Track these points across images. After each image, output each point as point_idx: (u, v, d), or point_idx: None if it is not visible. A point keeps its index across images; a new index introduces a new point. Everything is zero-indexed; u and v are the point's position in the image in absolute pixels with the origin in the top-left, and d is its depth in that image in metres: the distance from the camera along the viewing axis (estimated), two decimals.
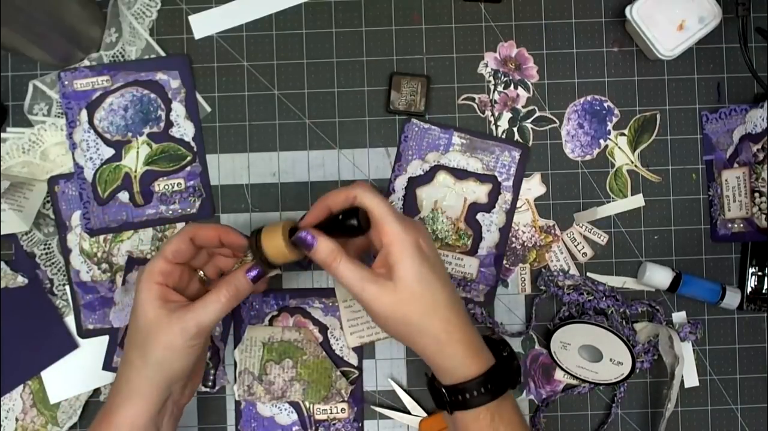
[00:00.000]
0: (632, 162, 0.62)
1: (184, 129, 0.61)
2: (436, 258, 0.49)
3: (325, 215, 0.51)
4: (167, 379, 0.49)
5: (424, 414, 0.61)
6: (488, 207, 0.61)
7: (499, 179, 0.61)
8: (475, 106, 0.62)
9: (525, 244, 0.62)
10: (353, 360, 0.61)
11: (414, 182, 0.61)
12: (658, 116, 0.62)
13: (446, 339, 0.48)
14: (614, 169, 0.62)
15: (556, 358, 0.61)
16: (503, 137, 0.62)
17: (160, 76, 0.61)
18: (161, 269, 0.49)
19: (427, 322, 0.47)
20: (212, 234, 0.51)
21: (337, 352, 0.61)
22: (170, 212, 0.61)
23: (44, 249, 0.61)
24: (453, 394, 0.48)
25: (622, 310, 0.61)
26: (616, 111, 0.62)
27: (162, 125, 0.61)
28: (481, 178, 0.61)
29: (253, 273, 0.50)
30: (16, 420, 0.61)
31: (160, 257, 0.49)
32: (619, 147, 0.62)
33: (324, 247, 0.48)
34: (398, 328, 0.48)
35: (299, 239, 0.49)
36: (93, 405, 0.61)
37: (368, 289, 0.47)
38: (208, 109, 0.62)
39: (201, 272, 0.54)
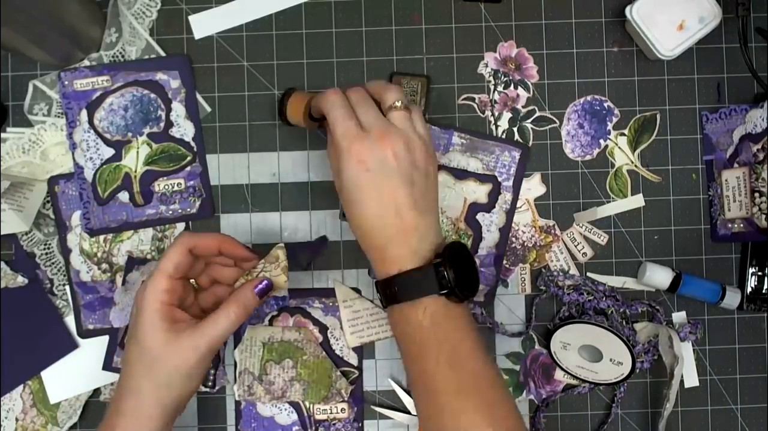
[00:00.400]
0: (632, 162, 0.62)
1: (184, 129, 0.61)
2: (380, 175, 0.49)
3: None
4: (178, 400, 0.48)
5: None
6: (488, 207, 0.61)
7: (499, 179, 0.61)
8: (475, 106, 0.62)
9: (525, 244, 0.62)
10: (353, 360, 0.61)
11: None
12: (658, 116, 0.62)
13: (360, 238, 0.50)
14: (614, 169, 0.62)
15: (556, 358, 0.61)
16: (503, 137, 0.62)
17: (160, 76, 0.61)
18: (165, 287, 0.48)
19: (351, 221, 0.50)
20: (213, 244, 0.51)
21: (337, 352, 0.61)
22: (170, 212, 0.61)
23: (44, 249, 0.61)
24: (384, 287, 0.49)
25: (622, 310, 0.61)
26: (616, 111, 0.62)
27: (162, 125, 0.61)
28: (481, 178, 0.61)
29: (260, 288, 0.50)
30: (16, 420, 0.61)
31: (162, 275, 0.48)
32: (619, 147, 0.62)
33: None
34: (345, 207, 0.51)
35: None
36: (93, 405, 0.61)
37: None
38: (208, 109, 0.62)
39: (192, 281, 0.53)
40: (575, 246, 0.62)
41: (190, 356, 0.47)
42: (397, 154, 0.48)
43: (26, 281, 0.61)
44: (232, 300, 0.49)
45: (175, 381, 0.47)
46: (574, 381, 0.62)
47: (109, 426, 0.48)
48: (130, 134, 0.61)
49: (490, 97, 0.62)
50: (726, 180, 0.60)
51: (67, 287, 0.61)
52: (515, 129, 0.62)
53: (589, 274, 0.62)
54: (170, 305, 0.48)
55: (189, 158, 0.61)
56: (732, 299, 0.60)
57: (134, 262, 0.61)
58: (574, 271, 0.62)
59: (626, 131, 0.62)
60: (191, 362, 0.47)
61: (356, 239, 0.51)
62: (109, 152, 0.61)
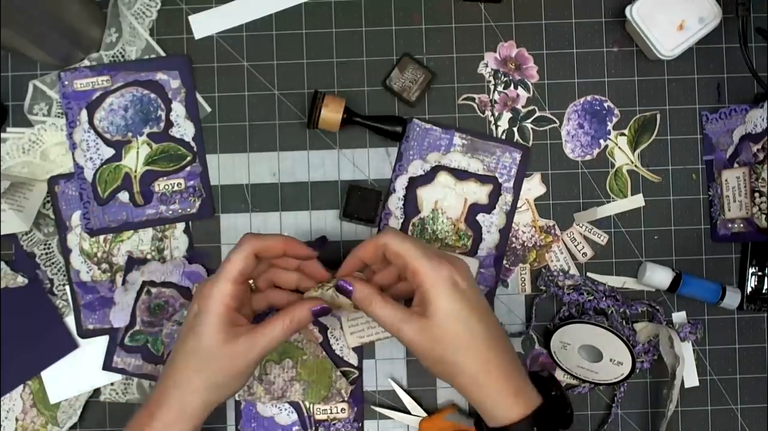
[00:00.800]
0: (632, 162, 0.62)
1: (184, 129, 0.61)
2: (473, 294, 0.48)
3: (358, 267, 0.52)
4: (221, 399, 0.49)
5: (424, 414, 0.61)
6: (489, 208, 0.61)
7: (500, 180, 0.61)
8: (475, 106, 0.62)
9: (525, 244, 0.62)
10: (353, 360, 0.61)
11: (415, 182, 0.61)
12: (658, 116, 0.62)
13: (484, 379, 0.46)
14: (614, 169, 0.62)
15: (556, 358, 0.61)
16: (503, 137, 0.62)
17: (160, 76, 0.61)
18: (230, 292, 0.48)
19: (462, 360, 0.46)
20: (278, 246, 0.50)
21: (337, 352, 0.61)
22: (170, 212, 0.61)
23: (44, 249, 0.61)
24: None
25: (622, 310, 0.61)
26: (616, 111, 0.62)
27: (162, 125, 0.61)
28: (481, 179, 0.61)
29: (317, 310, 0.50)
30: (16, 420, 0.61)
31: (228, 280, 0.48)
32: (619, 147, 0.62)
33: (358, 291, 0.49)
34: (436, 367, 0.48)
35: (339, 286, 0.50)
36: (93, 405, 0.61)
37: (404, 329, 0.47)
38: (208, 109, 0.62)
39: (251, 282, 0.53)
40: (575, 246, 0.62)
41: (243, 360, 0.47)
42: (471, 272, 0.49)
43: (26, 281, 0.61)
44: (288, 312, 0.49)
45: (225, 381, 0.48)
46: (574, 381, 0.62)
47: (147, 415, 0.48)
48: (130, 134, 0.61)
49: (490, 97, 0.62)
50: (726, 180, 0.60)
51: (67, 287, 0.61)
52: (515, 129, 0.62)
53: (589, 274, 0.62)
54: (233, 309, 0.48)
55: (189, 158, 0.61)
56: (732, 299, 0.60)
57: (134, 262, 0.61)
58: (574, 271, 0.62)
59: (626, 131, 0.62)
60: (243, 365, 0.47)
61: (455, 388, 0.48)
62: (109, 152, 0.61)
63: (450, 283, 0.46)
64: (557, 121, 0.62)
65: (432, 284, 0.46)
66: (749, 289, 0.62)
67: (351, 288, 0.49)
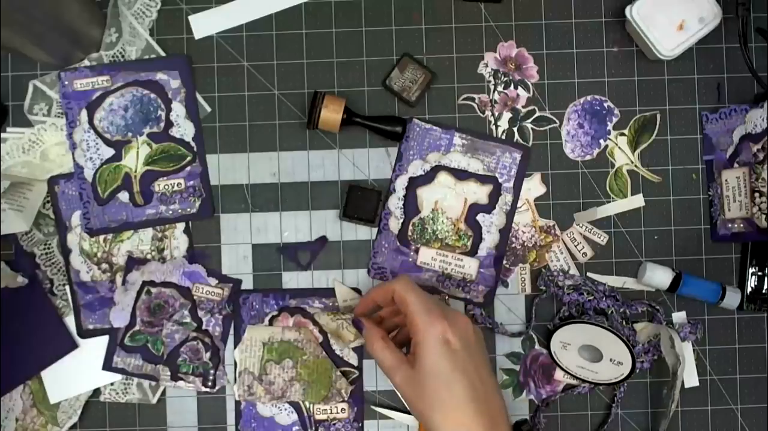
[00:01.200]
0: (632, 162, 0.62)
1: (184, 129, 0.61)
2: (465, 354, 0.48)
3: (371, 307, 0.55)
4: None
5: None
6: (489, 208, 0.61)
7: (500, 180, 0.61)
8: (475, 106, 0.62)
9: (525, 244, 0.62)
10: (353, 360, 0.61)
11: (415, 182, 0.61)
12: (658, 116, 0.62)
13: None
14: (614, 169, 0.62)
15: (556, 358, 0.61)
16: (503, 137, 0.62)
17: (160, 76, 0.61)
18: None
19: (438, 419, 0.47)
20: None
21: (337, 352, 0.61)
22: (170, 212, 0.61)
23: (44, 249, 0.61)
24: None
25: (622, 310, 0.61)
26: (616, 111, 0.62)
27: (162, 125, 0.61)
28: (481, 179, 0.61)
29: None
30: (16, 420, 0.61)
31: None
32: (619, 147, 0.62)
33: (366, 330, 0.54)
34: (417, 415, 0.49)
35: (354, 323, 0.57)
36: (93, 405, 0.61)
37: (395, 375, 0.49)
38: (208, 109, 0.62)
39: None
40: (575, 246, 0.62)
41: None
42: (476, 330, 0.51)
43: (26, 281, 0.61)
44: None
45: None
46: (574, 381, 0.62)
47: None
48: (130, 134, 0.61)
49: (490, 97, 0.62)
50: (726, 180, 0.60)
51: (67, 287, 0.61)
52: (515, 129, 0.62)
53: (589, 274, 0.62)
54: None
55: (189, 158, 0.61)
56: (732, 299, 0.60)
57: (134, 262, 0.61)
58: (574, 271, 0.62)
59: (626, 131, 0.62)
60: None
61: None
62: (109, 152, 0.61)
63: (440, 342, 0.48)
64: (557, 121, 0.62)
65: (423, 338, 0.48)
66: (749, 289, 0.62)
67: (362, 326, 0.55)
